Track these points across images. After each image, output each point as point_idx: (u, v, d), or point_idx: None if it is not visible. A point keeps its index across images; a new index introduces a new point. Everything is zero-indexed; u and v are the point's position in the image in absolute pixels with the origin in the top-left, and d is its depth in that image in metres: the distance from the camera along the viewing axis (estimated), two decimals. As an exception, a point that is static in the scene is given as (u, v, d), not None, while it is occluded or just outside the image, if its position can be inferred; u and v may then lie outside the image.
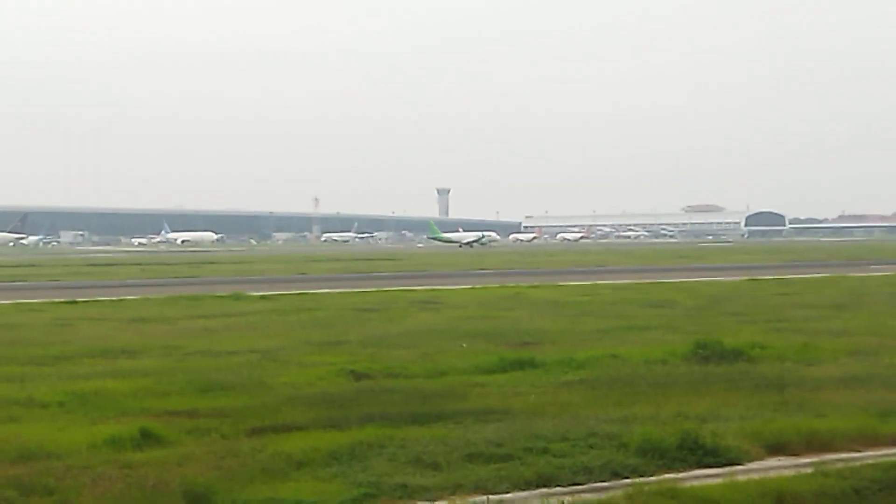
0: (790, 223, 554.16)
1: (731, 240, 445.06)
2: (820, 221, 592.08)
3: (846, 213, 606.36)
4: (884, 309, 73.83)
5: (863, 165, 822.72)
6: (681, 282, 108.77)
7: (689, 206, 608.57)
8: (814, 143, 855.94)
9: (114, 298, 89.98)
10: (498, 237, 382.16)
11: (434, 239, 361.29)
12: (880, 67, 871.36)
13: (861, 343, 53.10)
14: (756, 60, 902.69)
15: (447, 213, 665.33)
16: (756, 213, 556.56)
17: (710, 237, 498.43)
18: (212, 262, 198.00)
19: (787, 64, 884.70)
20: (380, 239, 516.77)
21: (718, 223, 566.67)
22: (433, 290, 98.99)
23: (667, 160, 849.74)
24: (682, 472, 28.01)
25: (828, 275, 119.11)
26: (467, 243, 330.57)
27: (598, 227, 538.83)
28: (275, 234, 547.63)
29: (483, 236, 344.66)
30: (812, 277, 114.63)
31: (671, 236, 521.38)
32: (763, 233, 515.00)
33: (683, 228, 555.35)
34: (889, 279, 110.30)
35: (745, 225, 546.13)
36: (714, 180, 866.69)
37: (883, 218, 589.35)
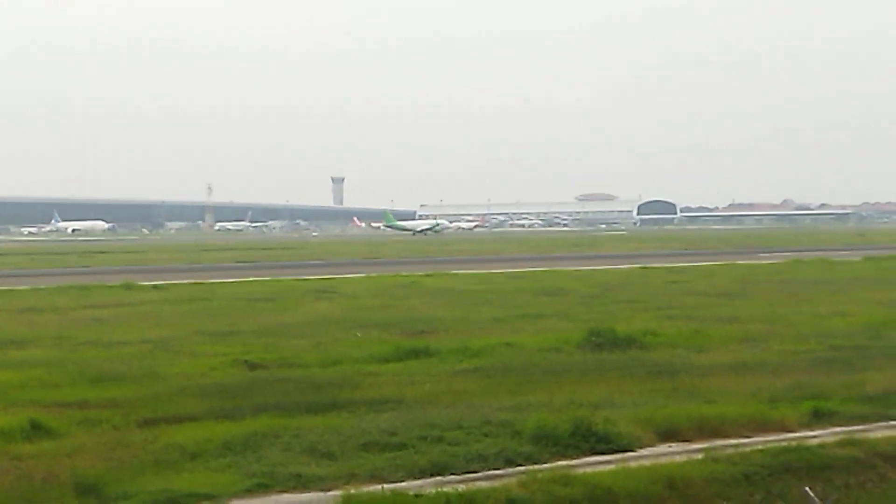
0: (681, 211, 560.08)
1: (623, 228, 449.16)
2: (710, 210, 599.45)
3: (736, 201, 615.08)
4: (772, 296, 74.98)
5: (752, 156, 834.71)
6: (574, 270, 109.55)
7: (582, 195, 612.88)
8: (705, 135, 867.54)
9: (3, 288, 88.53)
10: (449, 224, 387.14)
11: (389, 227, 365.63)
12: (766, 67, 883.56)
13: (750, 330, 53.87)
14: (647, 58, 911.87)
15: (341, 202, 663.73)
16: (648, 202, 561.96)
17: (604, 226, 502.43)
18: (103, 252, 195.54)
19: (681, 58, 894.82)
20: (274, 228, 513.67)
21: (611, 212, 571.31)
22: (328, 279, 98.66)
23: (562, 151, 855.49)
24: (575, 458, 28.22)
25: (718, 263, 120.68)
26: (421, 231, 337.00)
27: (493, 216, 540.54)
28: (168, 223, 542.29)
29: (437, 224, 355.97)
30: (702, 265, 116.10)
31: (565, 225, 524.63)
32: (655, 221, 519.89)
33: (577, 217, 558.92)
34: (777, 267, 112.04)
35: (638, 213, 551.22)
36: (608, 170, 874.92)
37: (772, 206, 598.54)
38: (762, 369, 41.18)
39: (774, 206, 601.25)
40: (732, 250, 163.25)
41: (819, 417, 32.69)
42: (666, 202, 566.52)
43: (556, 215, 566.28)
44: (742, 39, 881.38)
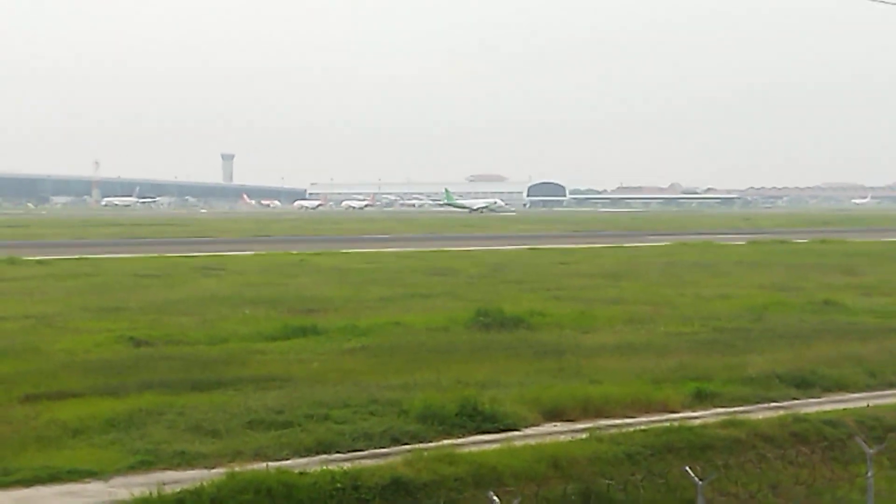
0: (571, 194, 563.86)
1: (513, 209, 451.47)
2: (599, 193, 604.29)
3: (624, 184, 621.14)
4: (658, 278, 75.98)
5: (641, 140, 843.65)
6: (464, 250, 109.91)
7: (473, 176, 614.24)
8: (595, 119, 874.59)
9: None
10: (504, 204, 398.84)
11: (448, 205, 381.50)
12: (653, 49, 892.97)
13: (636, 311, 54.52)
14: (540, 35, 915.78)
15: (231, 179, 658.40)
16: (538, 184, 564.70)
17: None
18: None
19: (569, 38, 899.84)
20: (162, 204, 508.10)
21: (501, 193, 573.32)
22: (216, 256, 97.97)
23: (454, 131, 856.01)
24: (461, 437, 28.39)
25: (605, 245, 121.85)
26: (477, 209, 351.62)
27: (384, 196, 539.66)
28: (53, 197, 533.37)
29: (495, 203, 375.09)
30: (590, 247, 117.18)
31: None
32: (544, 203, 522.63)
33: (471, 197, 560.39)
34: (663, 250, 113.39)
35: (528, 195, 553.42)
36: (499, 152, 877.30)
37: (660, 190, 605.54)
38: (647, 350, 41.71)
39: (662, 190, 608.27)
40: (620, 233, 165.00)
41: (701, 398, 33.20)
42: (556, 184, 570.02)
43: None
44: (632, 21, 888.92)
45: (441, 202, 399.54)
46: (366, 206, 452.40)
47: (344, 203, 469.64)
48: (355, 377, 35.38)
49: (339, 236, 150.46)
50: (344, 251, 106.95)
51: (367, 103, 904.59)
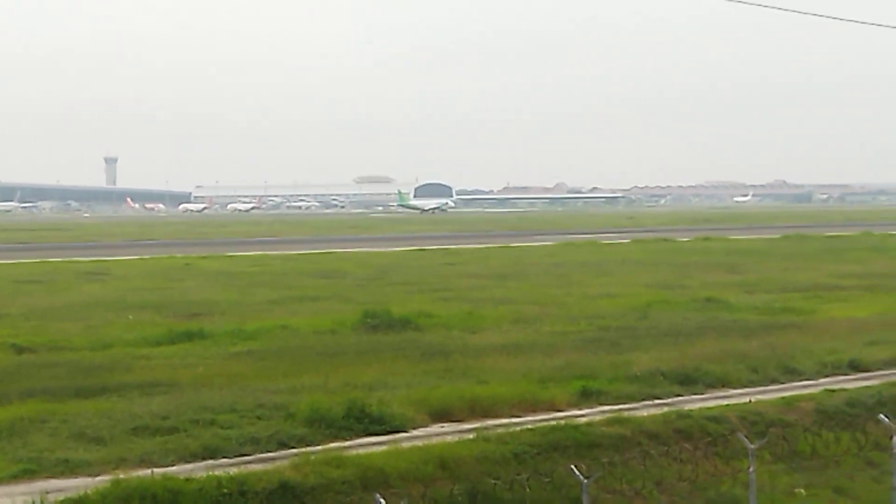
0: (457, 194, 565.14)
1: (400, 210, 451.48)
2: (486, 193, 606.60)
3: (511, 185, 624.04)
4: (544, 278, 76.54)
5: (528, 141, 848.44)
6: (351, 252, 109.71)
7: (360, 177, 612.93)
8: (482, 120, 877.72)
9: None
10: (453, 204, 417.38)
11: (402, 206, 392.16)
12: (540, 52, 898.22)
13: (523, 311, 54.87)
14: (425, 36, 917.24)
15: (115, 183, 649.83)
16: (425, 185, 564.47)
17: (381, 208, 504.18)
18: None
19: (455, 39, 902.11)
20: (44, 209, 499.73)
21: (389, 194, 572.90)
22: (100, 261, 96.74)
23: (340, 133, 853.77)
24: (348, 440, 28.34)
25: (492, 245, 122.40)
26: (430, 209, 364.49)
27: (270, 198, 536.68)
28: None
29: (446, 203, 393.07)
30: (477, 247, 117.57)
31: (342, 207, 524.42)
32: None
33: (355, 199, 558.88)
34: (550, 249, 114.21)
35: (415, 196, 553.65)
36: (386, 153, 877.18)
37: (545, 190, 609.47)
38: (533, 350, 41.97)
39: (547, 190, 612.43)
40: (506, 233, 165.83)
41: (587, 396, 33.51)
42: (442, 185, 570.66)
43: (334, 197, 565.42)
44: (522, 25, 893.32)
45: (396, 204, 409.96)
46: (252, 208, 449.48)
47: (230, 206, 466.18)
48: (242, 381, 35.13)
49: (225, 239, 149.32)
50: (230, 254, 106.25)
51: (253, 105, 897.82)
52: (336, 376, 35.63)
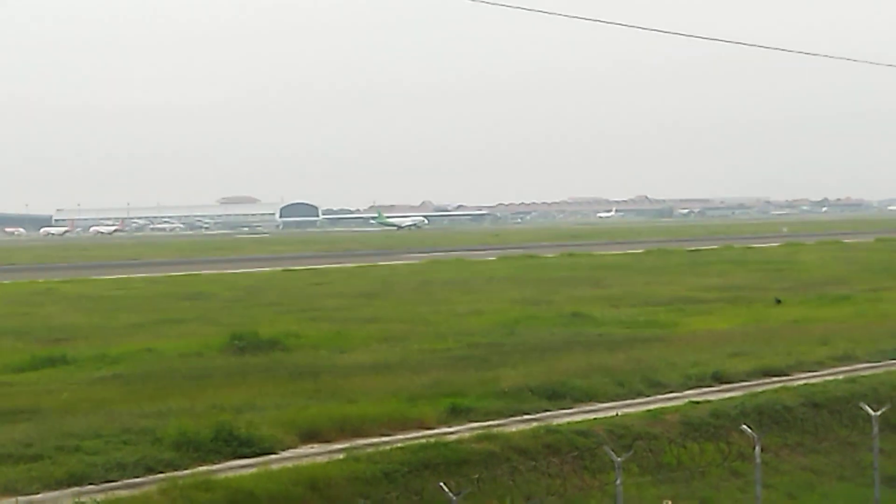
0: (323, 214, 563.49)
1: (266, 231, 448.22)
2: (352, 212, 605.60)
3: (377, 203, 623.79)
4: (412, 296, 76.67)
5: (393, 160, 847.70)
6: (217, 273, 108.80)
7: (224, 198, 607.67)
8: (349, 139, 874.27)
9: None
10: (427, 222, 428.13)
11: (381, 224, 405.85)
12: (392, 79, 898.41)
13: (391, 330, 54.89)
14: (287, 57, 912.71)
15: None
16: (291, 205, 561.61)
17: (246, 228, 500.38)
18: None
19: (313, 61, 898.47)
20: None
21: (254, 214, 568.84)
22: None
23: (205, 153, 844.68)
24: (217, 463, 28.06)
25: (360, 264, 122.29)
26: (406, 226, 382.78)
27: (133, 220, 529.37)
28: None
29: (423, 220, 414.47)
30: (345, 267, 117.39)
31: (207, 228, 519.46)
32: (298, 224, 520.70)
33: (220, 220, 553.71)
34: (417, 268, 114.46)
35: (280, 216, 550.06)
36: (252, 173, 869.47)
37: (412, 208, 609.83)
38: (402, 368, 41.99)
39: (414, 208, 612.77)
40: (374, 251, 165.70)
41: (456, 414, 33.59)
42: (308, 205, 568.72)
43: (199, 218, 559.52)
44: (371, 58, 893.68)
45: (373, 220, 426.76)
46: (115, 231, 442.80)
47: (92, 229, 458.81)
48: (107, 406, 34.60)
49: (88, 263, 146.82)
50: (93, 278, 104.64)
51: (116, 129, 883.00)
52: (203, 399, 35.26)
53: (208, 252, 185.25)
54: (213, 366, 43.91)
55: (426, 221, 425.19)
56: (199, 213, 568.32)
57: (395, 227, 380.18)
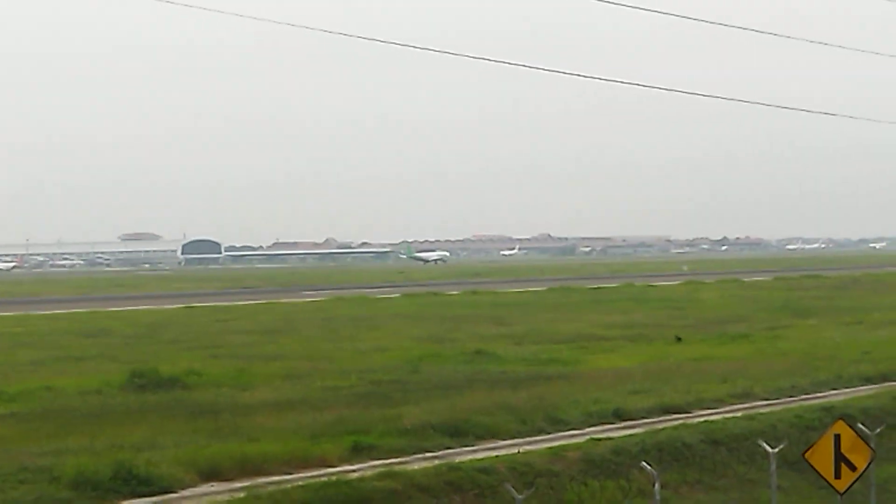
0: (226, 251, 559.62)
1: (168, 267, 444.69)
2: (255, 249, 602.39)
3: (280, 240, 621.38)
4: (316, 333, 76.46)
5: (297, 198, 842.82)
6: (118, 310, 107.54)
7: (125, 235, 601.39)
8: (251, 177, 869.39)
9: None
10: (450, 255, 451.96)
11: (411, 258, 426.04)
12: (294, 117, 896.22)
13: (294, 367, 54.67)
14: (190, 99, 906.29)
15: None
16: (192, 241, 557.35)
17: (148, 265, 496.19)
18: None
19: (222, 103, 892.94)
20: None
21: (156, 251, 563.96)
22: None
23: (104, 189, 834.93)
24: (115, 502, 27.74)
25: (262, 301, 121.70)
26: (432, 260, 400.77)
27: (32, 256, 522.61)
28: None
29: (446, 254, 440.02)
30: (248, 304, 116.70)
31: (108, 264, 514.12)
32: (200, 260, 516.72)
33: (121, 257, 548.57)
34: (320, 304, 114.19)
35: (182, 253, 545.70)
36: (152, 209, 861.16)
37: (315, 245, 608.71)
38: (305, 406, 41.83)
39: (317, 245, 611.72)
40: (276, 289, 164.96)
41: (359, 451, 33.54)
42: (211, 241, 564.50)
43: (99, 255, 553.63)
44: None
45: (403, 255, 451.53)
46: (13, 267, 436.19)
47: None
48: (3, 445, 34.02)
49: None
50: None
51: (14, 164, 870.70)
52: (103, 437, 34.85)
53: (109, 289, 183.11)
54: (113, 403, 43.46)
55: (449, 255, 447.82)
56: (99, 250, 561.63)
57: (423, 262, 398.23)
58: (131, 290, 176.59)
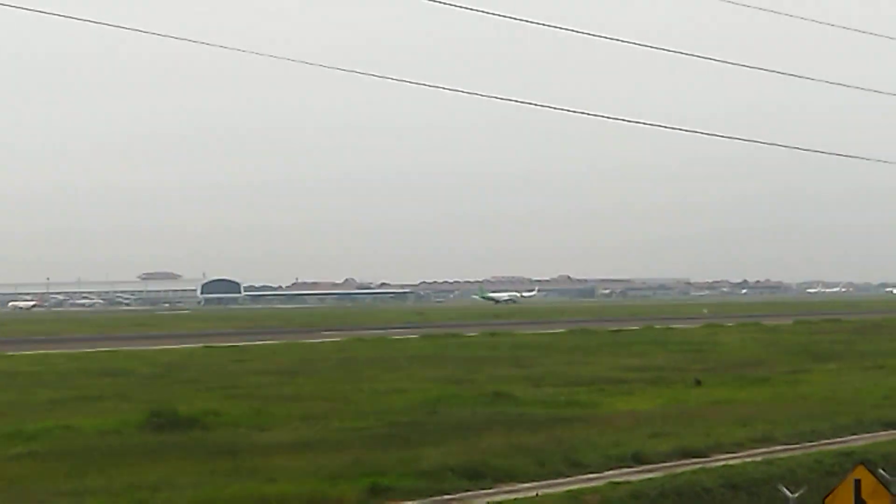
0: (245, 290, 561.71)
1: (187, 307, 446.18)
2: (275, 289, 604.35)
3: (300, 280, 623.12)
4: (333, 374, 76.39)
5: (316, 237, 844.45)
6: (137, 350, 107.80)
7: (145, 274, 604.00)
8: (269, 216, 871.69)
9: None
10: (520, 296, 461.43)
11: (483, 298, 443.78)
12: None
13: (312, 408, 54.62)
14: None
15: None
16: (212, 281, 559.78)
17: (167, 304, 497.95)
18: None
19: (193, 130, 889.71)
20: None
21: (175, 290, 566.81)
22: None
23: (125, 229, 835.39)
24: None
25: (282, 341, 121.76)
26: (504, 301, 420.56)
27: (52, 295, 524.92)
28: None
29: (519, 295, 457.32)
30: (266, 344, 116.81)
31: (128, 304, 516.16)
32: (219, 300, 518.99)
33: (140, 296, 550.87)
34: (339, 345, 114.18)
35: (202, 292, 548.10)
36: (172, 249, 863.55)
37: (334, 285, 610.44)
38: (323, 447, 41.79)
39: (336, 286, 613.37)
40: (296, 329, 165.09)
41: (376, 493, 33.46)
42: (230, 281, 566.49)
43: (119, 294, 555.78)
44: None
45: (475, 295, 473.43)
46: (34, 306, 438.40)
47: (10, 303, 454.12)
48: (22, 484, 34.12)
49: (5, 338, 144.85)
50: (10, 353, 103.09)
51: (35, 205, 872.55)
52: (121, 477, 34.89)
53: (128, 328, 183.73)
54: (131, 443, 43.43)
55: (519, 296, 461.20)
56: (119, 289, 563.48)
57: (494, 301, 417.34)
58: (150, 329, 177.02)
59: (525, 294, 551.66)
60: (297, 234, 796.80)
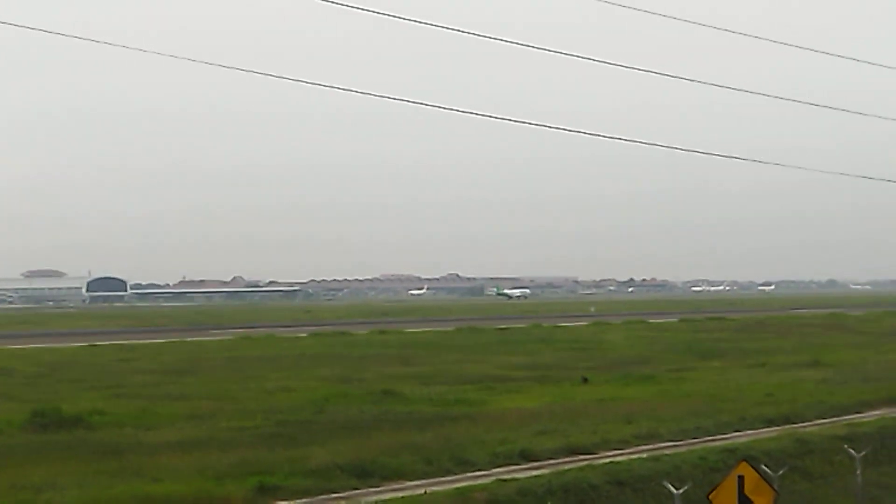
0: (132, 288, 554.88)
1: (72, 305, 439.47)
2: (161, 287, 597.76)
3: (187, 278, 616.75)
4: (221, 373, 75.83)
5: (203, 234, 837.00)
6: (19, 349, 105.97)
7: (29, 272, 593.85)
8: (155, 212, 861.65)
9: None
10: (529, 293, 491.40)
11: (499, 294, 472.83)
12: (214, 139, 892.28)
13: (199, 407, 54.19)
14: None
15: None
16: (98, 279, 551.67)
17: (52, 303, 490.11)
18: None
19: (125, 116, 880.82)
20: None
21: (60, 288, 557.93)
22: None
23: (8, 225, 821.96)
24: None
25: (168, 340, 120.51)
26: (516, 297, 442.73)
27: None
28: None
29: (527, 291, 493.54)
30: (152, 343, 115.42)
31: (10, 302, 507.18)
32: (105, 298, 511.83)
33: (24, 294, 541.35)
34: (226, 344, 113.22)
35: (87, 290, 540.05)
36: (56, 246, 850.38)
37: (222, 283, 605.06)
38: (209, 446, 41.46)
39: (224, 284, 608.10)
40: (183, 327, 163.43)
41: (264, 492, 33.28)
42: (117, 279, 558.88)
43: (2, 292, 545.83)
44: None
45: (491, 292, 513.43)
46: None
47: None
48: None
49: None
50: None
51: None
52: (3, 478, 34.34)
53: (11, 326, 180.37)
54: (13, 443, 42.76)
55: (529, 292, 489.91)
56: (2, 287, 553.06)
57: (507, 297, 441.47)
58: (34, 327, 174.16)
59: (413, 292, 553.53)
60: (185, 231, 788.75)
